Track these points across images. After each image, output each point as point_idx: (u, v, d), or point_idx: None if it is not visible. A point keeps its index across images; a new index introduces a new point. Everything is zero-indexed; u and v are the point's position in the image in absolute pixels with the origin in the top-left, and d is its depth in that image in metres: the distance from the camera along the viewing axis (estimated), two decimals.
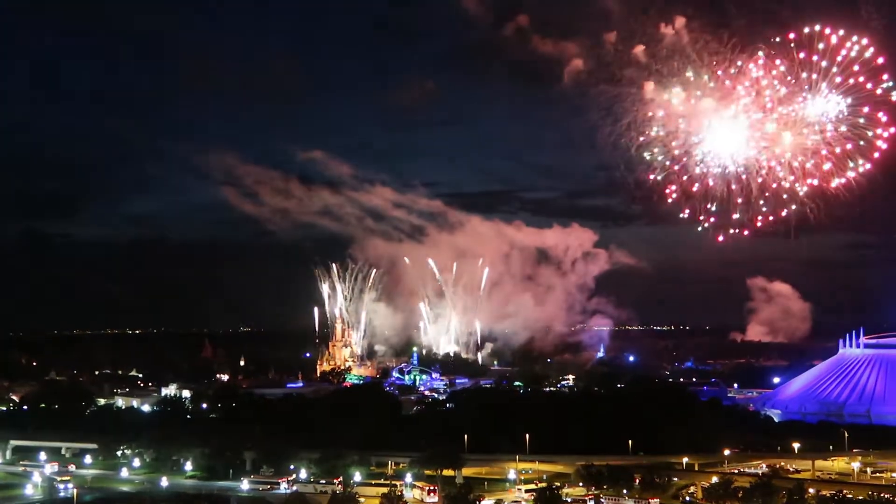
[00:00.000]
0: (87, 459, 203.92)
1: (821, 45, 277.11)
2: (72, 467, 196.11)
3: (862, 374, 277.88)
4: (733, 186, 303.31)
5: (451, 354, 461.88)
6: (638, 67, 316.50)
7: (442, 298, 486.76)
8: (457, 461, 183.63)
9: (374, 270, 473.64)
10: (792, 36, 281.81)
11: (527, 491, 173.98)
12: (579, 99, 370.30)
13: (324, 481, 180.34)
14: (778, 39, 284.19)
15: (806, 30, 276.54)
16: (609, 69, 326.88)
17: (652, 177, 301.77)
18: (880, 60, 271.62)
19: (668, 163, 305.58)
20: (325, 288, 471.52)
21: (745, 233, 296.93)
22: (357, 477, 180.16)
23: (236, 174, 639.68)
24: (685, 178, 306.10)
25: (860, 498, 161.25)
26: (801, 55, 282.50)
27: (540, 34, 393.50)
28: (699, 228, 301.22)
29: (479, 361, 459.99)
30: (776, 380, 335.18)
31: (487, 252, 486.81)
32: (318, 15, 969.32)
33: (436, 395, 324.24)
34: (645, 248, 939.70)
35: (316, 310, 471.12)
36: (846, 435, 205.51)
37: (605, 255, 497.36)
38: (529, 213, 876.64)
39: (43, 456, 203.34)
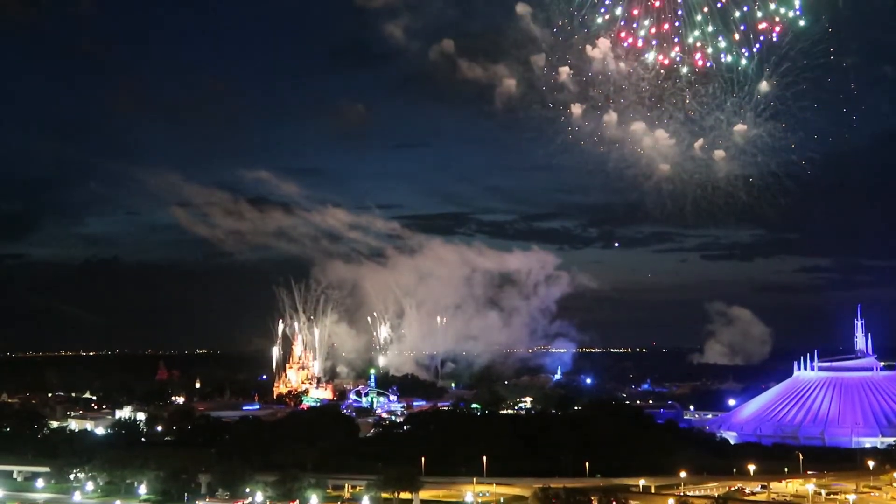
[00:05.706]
0: (40, 483, 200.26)
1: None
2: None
3: (816, 397, 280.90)
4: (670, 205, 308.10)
5: (409, 376, 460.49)
6: (567, 91, 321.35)
7: (403, 320, 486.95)
8: (414, 484, 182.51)
9: (336, 292, 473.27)
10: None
11: None
12: (514, 122, 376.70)
13: None
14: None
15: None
16: (540, 93, 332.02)
17: (593, 200, 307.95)
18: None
19: (609, 185, 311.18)
20: (284, 309, 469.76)
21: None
22: (313, 500, 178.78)
23: (187, 195, 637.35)
24: (628, 199, 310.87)
25: None
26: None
27: (467, 59, 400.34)
28: (652, 251, 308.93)
29: (438, 384, 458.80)
30: (732, 402, 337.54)
31: (449, 275, 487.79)
32: (272, 40, 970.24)
33: (393, 418, 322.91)
34: (602, 270, 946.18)
35: (274, 331, 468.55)
36: (801, 457, 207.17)
37: (566, 278, 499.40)
38: (487, 236, 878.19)
39: None
